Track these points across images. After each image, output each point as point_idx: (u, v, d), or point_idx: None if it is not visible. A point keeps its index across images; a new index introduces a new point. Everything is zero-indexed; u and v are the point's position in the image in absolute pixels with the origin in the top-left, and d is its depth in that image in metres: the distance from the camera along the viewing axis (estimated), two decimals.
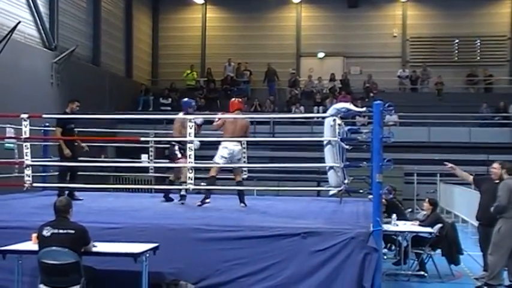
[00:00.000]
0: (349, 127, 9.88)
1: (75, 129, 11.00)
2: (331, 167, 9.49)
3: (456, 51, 26.63)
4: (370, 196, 8.09)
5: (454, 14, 25.86)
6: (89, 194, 11.48)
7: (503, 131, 22.01)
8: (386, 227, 9.19)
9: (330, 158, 9.32)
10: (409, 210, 13.68)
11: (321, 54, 27.00)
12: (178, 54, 27.25)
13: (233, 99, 10.64)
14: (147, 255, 6.58)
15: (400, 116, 21.20)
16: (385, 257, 10.40)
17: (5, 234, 7.29)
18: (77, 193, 10.80)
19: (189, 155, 8.87)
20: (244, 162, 10.69)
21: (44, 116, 10.41)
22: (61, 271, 6.23)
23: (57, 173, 11.12)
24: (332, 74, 25.61)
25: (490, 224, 8.99)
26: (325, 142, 9.57)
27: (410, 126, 21.70)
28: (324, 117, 10.02)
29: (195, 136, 9.00)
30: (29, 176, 9.26)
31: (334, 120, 9.05)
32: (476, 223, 10.46)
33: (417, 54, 26.50)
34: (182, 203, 10.29)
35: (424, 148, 21.61)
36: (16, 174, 11.59)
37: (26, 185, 9.32)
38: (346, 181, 9.38)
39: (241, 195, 10.10)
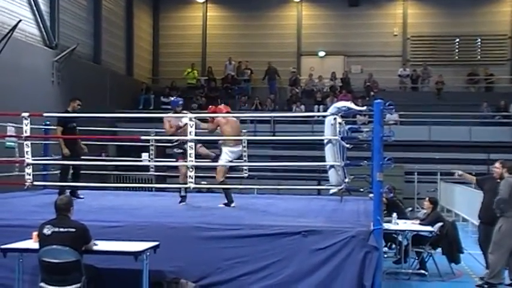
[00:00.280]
0: (349, 126, 9.87)
1: (77, 128, 10.93)
2: (331, 166, 9.48)
3: (457, 50, 26.55)
4: (371, 195, 8.10)
5: (455, 13, 25.80)
6: (90, 192, 11.50)
7: (504, 130, 21.97)
8: (386, 225, 9.21)
9: (331, 156, 9.32)
10: (410, 209, 13.69)
11: (321, 53, 26.94)
12: (179, 53, 27.20)
13: (221, 105, 10.78)
14: (148, 253, 6.59)
15: (401, 115, 21.15)
16: (385, 256, 10.36)
17: (6, 233, 7.30)
18: (78, 191, 10.79)
19: (190, 154, 8.87)
20: (245, 161, 10.70)
21: (45, 114, 10.42)
22: (62, 269, 6.24)
23: (58, 172, 11.09)
24: (333, 73, 25.54)
25: (491, 223, 9.12)
26: (325, 141, 9.56)
27: (410, 125, 21.62)
28: (324, 116, 10.00)
29: (181, 136, 9.06)
30: (30, 175, 9.26)
31: (335, 119, 9.04)
32: (476, 222, 10.48)
33: (418, 53, 26.45)
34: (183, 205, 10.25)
35: (425, 147, 21.61)
36: (17, 173, 11.61)
37: (27, 184, 9.33)
38: (346, 180, 9.37)
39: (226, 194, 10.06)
